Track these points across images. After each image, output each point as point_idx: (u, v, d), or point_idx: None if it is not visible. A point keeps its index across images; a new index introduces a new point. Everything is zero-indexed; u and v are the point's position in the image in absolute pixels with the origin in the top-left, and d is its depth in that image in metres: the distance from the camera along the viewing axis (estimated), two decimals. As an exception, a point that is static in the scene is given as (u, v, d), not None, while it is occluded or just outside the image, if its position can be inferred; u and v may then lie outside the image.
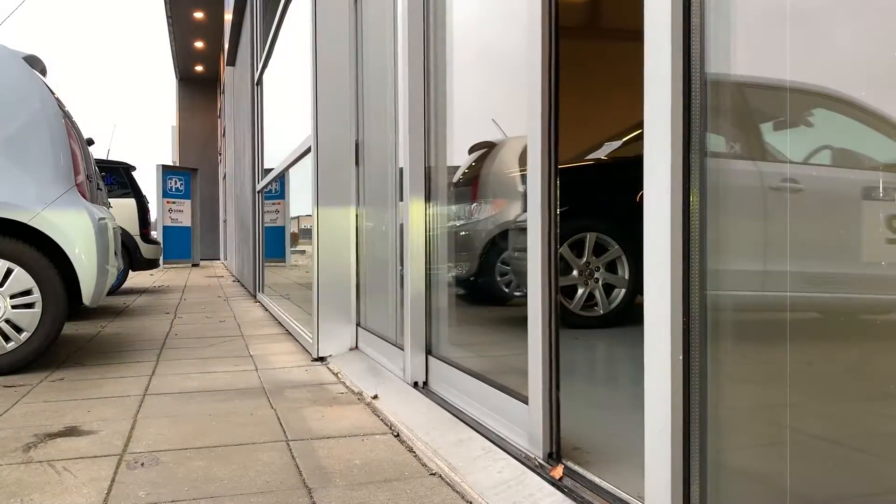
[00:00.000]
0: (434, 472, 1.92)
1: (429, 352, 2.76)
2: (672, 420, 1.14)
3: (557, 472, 1.69)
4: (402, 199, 3.01)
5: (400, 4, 2.90)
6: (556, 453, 1.77)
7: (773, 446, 1.06)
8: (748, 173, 1.12)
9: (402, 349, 2.85)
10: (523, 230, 1.98)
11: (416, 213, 2.86)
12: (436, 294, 2.78)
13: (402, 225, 2.97)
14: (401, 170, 3.03)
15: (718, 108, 1.13)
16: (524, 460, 1.79)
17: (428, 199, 2.86)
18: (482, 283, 4.30)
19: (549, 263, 1.82)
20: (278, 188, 6.23)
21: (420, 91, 2.83)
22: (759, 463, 1.10)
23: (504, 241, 4.13)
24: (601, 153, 5.05)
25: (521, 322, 1.99)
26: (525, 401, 1.89)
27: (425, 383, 2.73)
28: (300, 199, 4.93)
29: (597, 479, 1.60)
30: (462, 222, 4.07)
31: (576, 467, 1.69)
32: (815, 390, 1.02)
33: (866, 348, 0.95)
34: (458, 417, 2.23)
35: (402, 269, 3.02)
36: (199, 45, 17.95)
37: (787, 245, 1.04)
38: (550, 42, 1.78)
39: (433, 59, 2.79)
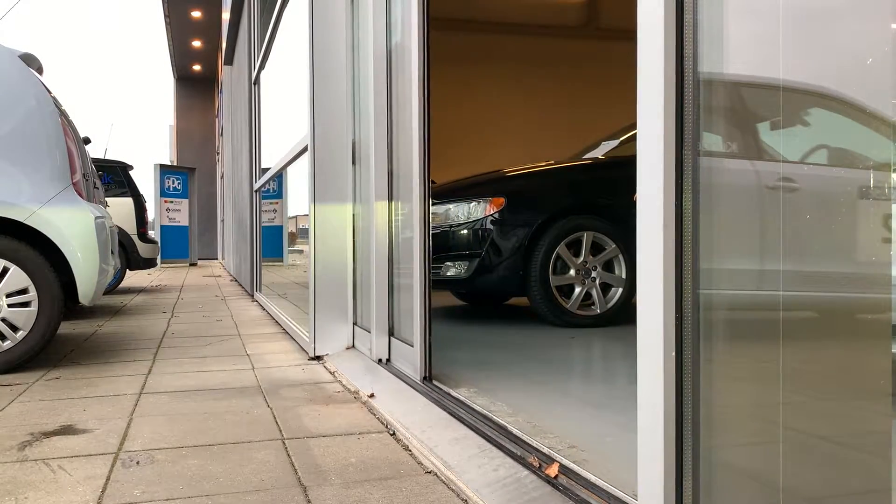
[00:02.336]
0: (430, 470, 1.92)
1: (391, 334, 3.21)
2: (664, 416, 1.14)
3: (553, 470, 1.69)
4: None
5: (370, 32, 3.31)
6: (429, 376, 2.72)
7: (766, 442, 1.06)
8: (741, 172, 1.12)
9: (369, 332, 3.32)
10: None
11: (381, 214, 3.25)
12: (398, 286, 3.18)
13: (368, 224, 3.41)
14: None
15: (711, 107, 1.13)
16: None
17: (391, 199, 3.25)
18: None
19: (423, 253, 2.73)
20: (276, 187, 6.23)
21: (384, 104, 3.26)
22: (751, 459, 1.10)
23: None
24: (598, 152, 5.05)
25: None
26: (412, 345, 2.80)
27: (388, 360, 3.19)
28: (298, 199, 4.93)
29: (592, 478, 1.60)
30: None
31: (572, 465, 1.69)
32: (807, 388, 1.02)
33: (858, 347, 0.96)
34: (446, 409, 2.23)
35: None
36: (196, 44, 17.94)
37: (779, 244, 1.04)
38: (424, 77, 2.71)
39: (395, 74, 3.21)
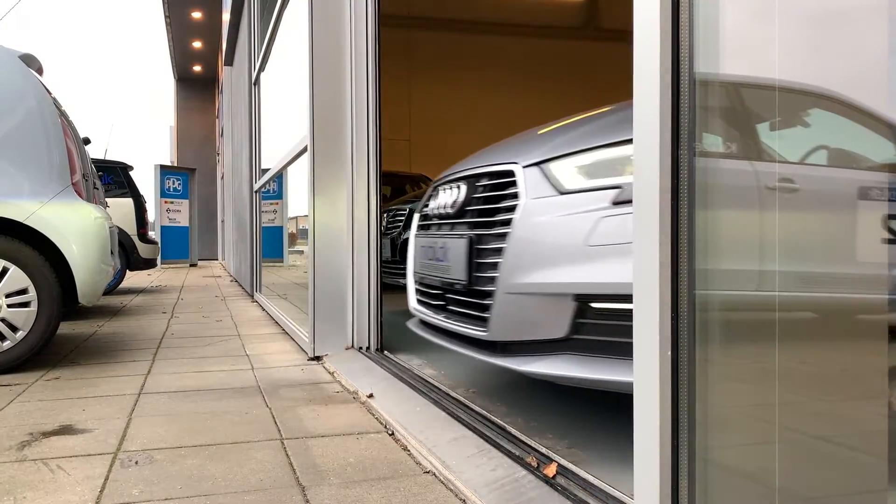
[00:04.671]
0: (428, 470, 1.93)
1: (369, 324, 3.66)
2: (660, 415, 1.14)
3: (551, 470, 1.69)
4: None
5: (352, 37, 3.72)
6: (380, 347, 3.55)
7: (762, 442, 1.06)
8: (737, 172, 1.12)
9: (352, 323, 3.73)
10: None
11: (362, 211, 3.65)
12: (377, 281, 3.64)
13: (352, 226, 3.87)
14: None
15: (707, 107, 1.13)
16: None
17: (369, 198, 3.67)
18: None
19: (376, 244, 3.61)
20: (276, 188, 6.23)
21: (364, 108, 3.62)
22: (747, 459, 1.10)
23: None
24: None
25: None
26: (370, 323, 3.64)
27: (367, 347, 3.62)
28: (298, 199, 4.93)
29: (590, 478, 1.60)
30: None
31: (569, 465, 1.69)
32: (803, 388, 1.02)
33: (854, 347, 0.96)
34: (443, 407, 2.23)
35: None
36: (197, 44, 17.94)
37: (775, 245, 1.04)
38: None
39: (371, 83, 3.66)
